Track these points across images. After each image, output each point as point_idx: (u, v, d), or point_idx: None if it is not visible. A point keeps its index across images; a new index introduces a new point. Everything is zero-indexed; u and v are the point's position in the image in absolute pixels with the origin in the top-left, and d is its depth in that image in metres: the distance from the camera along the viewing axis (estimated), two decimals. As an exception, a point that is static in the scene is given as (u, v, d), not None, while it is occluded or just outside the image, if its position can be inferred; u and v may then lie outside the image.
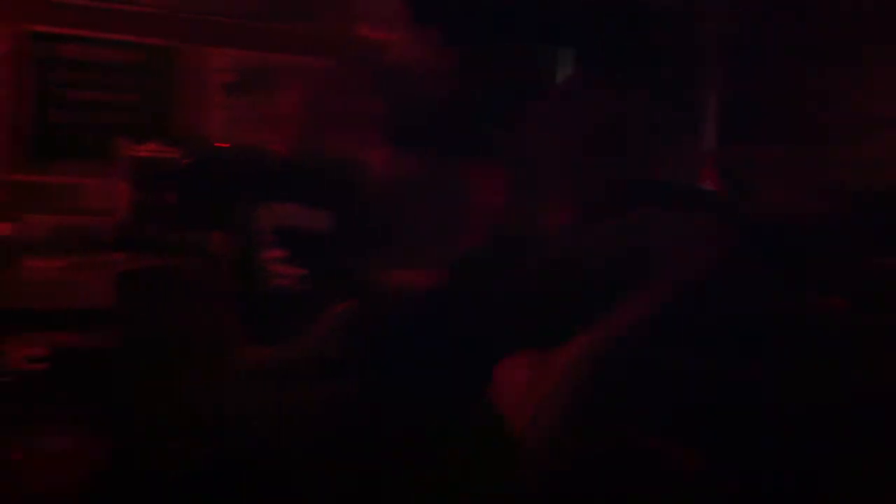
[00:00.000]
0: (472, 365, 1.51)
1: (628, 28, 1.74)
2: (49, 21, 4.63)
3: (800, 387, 1.37)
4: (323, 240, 2.77)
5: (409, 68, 1.93)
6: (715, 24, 1.90)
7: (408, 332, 1.62)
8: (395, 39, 1.97)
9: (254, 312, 2.72)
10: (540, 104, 1.81)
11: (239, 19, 4.97)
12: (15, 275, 3.73)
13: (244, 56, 4.96)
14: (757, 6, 2.25)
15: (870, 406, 1.43)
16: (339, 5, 4.26)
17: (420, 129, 1.90)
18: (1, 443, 2.58)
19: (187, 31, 4.85)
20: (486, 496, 1.43)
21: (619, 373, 1.36)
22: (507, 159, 1.77)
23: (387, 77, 2.03)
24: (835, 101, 2.42)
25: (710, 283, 1.46)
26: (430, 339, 1.57)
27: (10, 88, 4.58)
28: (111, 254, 3.97)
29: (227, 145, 3.38)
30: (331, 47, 4.24)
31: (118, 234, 4.26)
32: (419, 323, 1.58)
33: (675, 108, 1.74)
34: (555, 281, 1.56)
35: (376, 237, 2.26)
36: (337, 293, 2.90)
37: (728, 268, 1.48)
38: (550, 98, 1.82)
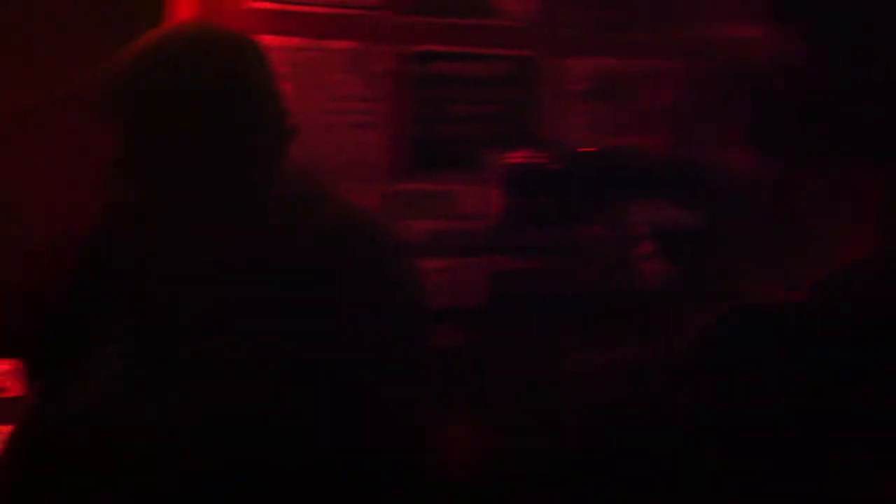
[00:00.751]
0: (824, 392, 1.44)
1: None
2: (425, 40, 5.01)
3: None
4: (691, 240, 2.78)
5: (773, 66, 1.87)
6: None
7: (765, 347, 1.56)
8: (757, 37, 1.93)
9: (621, 310, 2.78)
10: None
11: (596, 30, 5.09)
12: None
13: (601, 63, 5.07)
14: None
15: None
16: (696, 7, 4.24)
17: (786, 130, 1.85)
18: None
19: (548, 43, 5.04)
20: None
21: None
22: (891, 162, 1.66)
23: (749, 76, 1.99)
24: None
25: None
26: (787, 358, 1.51)
27: (391, 105, 5.01)
28: (485, 256, 4.22)
29: (593, 149, 3.49)
30: (689, 50, 4.24)
31: (492, 238, 4.52)
32: (778, 339, 1.51)
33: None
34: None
35: (740, 242, 2.23)
36: (699, 297, 2.89)
37: None
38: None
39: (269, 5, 4.92)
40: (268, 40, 5.07)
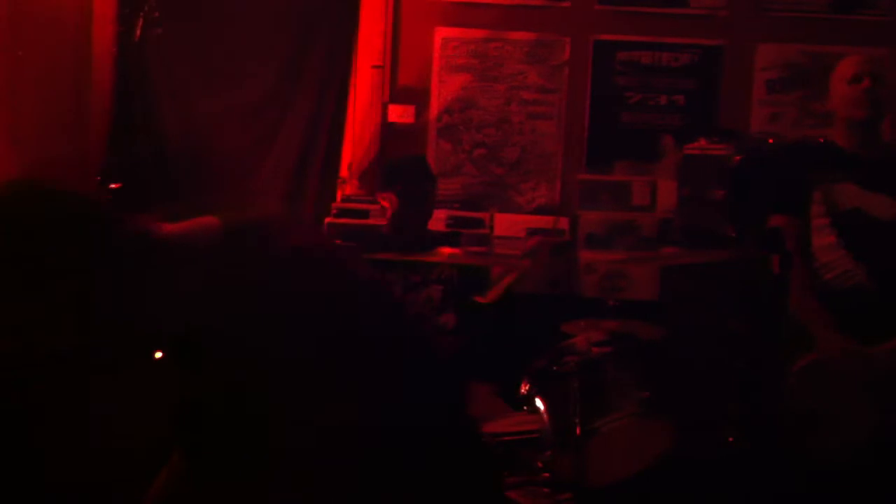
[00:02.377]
0: None
1: None
2: (607, 29, 4.99)
3: None
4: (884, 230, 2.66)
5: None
6: None
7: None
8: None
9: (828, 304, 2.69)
10: None
11: (789, 13, 4.93)
12: (573, 265, 4.07)
13: (789, 51, 4.91)
14: None
15: None
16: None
17: None
18: (563, 419, 2.82)
19: (737, 31, 4.92)
20: None
21: None
22: None
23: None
24: None
25: None
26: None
27: (570, 94, 5.01)
28: (658, 248, 4.18)
29: (780, 141, 3.38)
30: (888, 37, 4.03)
31: (665, 230, 4.47)
32: None
33: None
34: None
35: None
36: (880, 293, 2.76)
37: None
38: None
39: (452, -3, 5.04)
40: (451, 32, 5.19)
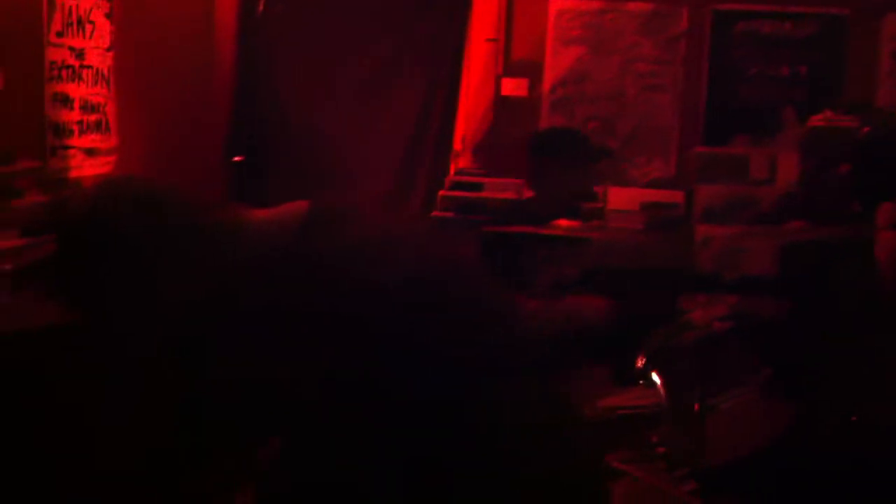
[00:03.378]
0: None
1: None
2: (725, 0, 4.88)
3: None
4: None
5: None
6: None
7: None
8: None
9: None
10: None
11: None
12: (689, 240, 4.01)
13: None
14: None
15: None
16: None
17: None
18: (681, 395, 2.80)
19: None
20: None
21: None
22: None
23: None
24: None
25: None
26: None
27: (687, 66, 4.92)
28: (778, 224, 4.08)
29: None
30: None
31: (786, 205, 4.36)
32: None
33: None
34: None
35: None
36: None
37: None
38: None
39: (566, -32, 4.99)
40: (566, 4, 5.15)
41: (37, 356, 1.60)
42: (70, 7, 3.56)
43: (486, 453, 1.21)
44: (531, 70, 5.06)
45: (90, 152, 3.71)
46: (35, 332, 1.76)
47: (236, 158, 4.43)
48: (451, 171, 5.03)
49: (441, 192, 4.78)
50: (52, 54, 3.46)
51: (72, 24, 3.57)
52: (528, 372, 1.37)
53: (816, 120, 3.97)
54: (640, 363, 2.95)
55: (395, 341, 1.22)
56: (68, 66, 3.57)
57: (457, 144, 5.13)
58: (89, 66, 3.71)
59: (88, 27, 3.68)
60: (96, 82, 3.77)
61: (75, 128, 3.63)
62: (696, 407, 2.86)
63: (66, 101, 3.57)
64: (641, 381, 2.94)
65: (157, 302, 1.25)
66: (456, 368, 1.24)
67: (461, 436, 1.21)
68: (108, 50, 3.83)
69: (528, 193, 3.51)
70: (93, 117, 3.75)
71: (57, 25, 3.48)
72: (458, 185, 4.81)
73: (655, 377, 2.87)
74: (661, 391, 2.88)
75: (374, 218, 1.43)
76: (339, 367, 1.19)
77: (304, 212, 1.32)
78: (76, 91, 3.62)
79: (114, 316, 1.29)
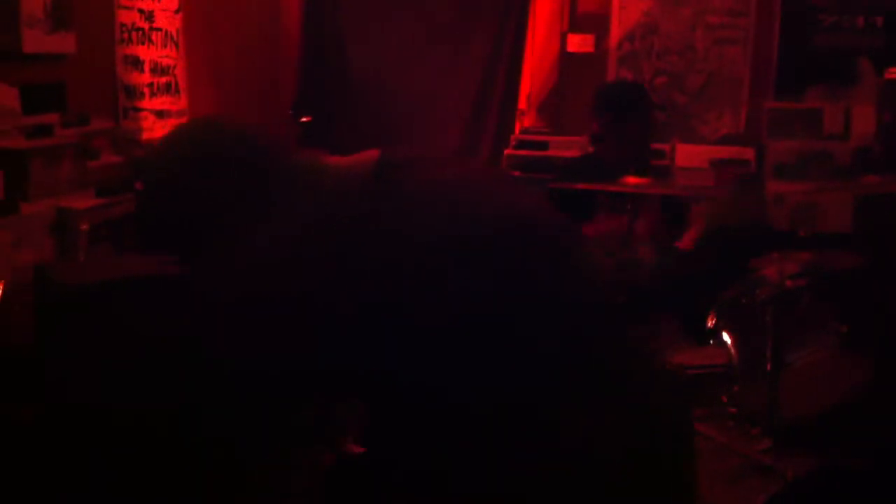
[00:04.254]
0: None
1: None
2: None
3: None
4: None
5: None
6: None
7: None
8: None
9: None
10: None
11: None
12: (761, 197, 3.94)
13: None
14: None
15: None
16: None
17: None
18: (753, 353, 2.78)
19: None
20: None
21: None
22: None
23: None
24: None
25: None
26: None
27: (759, 17, 4.80)
28: (853, 178, 3.99)
29: None
30: None
31: (862, 158, 4.26)
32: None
33: None
34: None
35: None
36: None
37: None
38: None
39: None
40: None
41: (118, 306, 1.62)
42: (139, -30, 3.60)
43: (600, 389, 1.20)
44: (597, 25, 4.99)
45: (160, 114, 3.75)
46: (114, 283, 1.79)
47: (305, 119, 4.45)
48: (517, 130, 5.00)
49: (507, 151, 4.76)
50: (123, 17, 3.50)
51: (141, -14, 3.61)
52: (619, 312, 1.36)
53: (893, 72, 3.86)
54: (710, 322, 2.92)
55: (487, 279, 1.19)
56: (138, 29, 3.60)
57: (522, 103, 5.09)
58: (159, 29, 3.74)
59: (157, -10, 3.72)
60: (165, 44, 3.80)
61: (146, 90, 3.67)
62: (769, 366, 2.83)
63: (136, 63, 3.61)
64: (712, 340, 2.92)
65: (249, 243, 1.25)
66: (559, 305, 1.22)
67: (579, 373, 1.20)
68: (177, 12, 3.86)
69: (590, 150, 3.48)
70: (163, 79, 3.79)
71: (127, -12, 3.52)
72: (523, 144, 4.78)
73: (726, 336, 2.84)
74: (732, 350, 2.86)
75: (446, 162, 1.41)
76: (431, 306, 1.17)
77: (376, 157, 1.32)
78: (146, 53, 3.66)
79: (207, 259, 1.30)
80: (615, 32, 4.97)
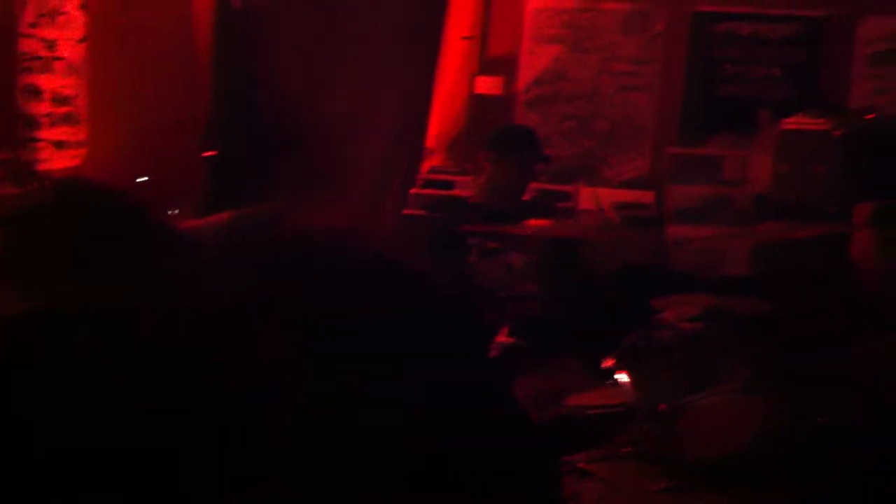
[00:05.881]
0: None
1: None
2: (703, 1, 4.88)
3: None
4: None
5: None
6: None
7: None
8: None
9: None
10: None
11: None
12: (662, 240, 4.02)
13: (893, 24, 4.73)
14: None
15: None
16: None
17: None
18: (652, 394, 2.80)
19: (837, 1, 4.76)
20: None
21: None
22: None
23: None
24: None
25: None
26: None
27: (665, 66, 4.92)
28: (752, 224, 4.09)
29: (882, 115, 3.27)
30: None
31: (759, 205, 4.38)
32: None
33: None
34: None
35: None
36: None
37: None
38: None
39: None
40: (543, 2, 5.13)
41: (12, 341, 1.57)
42: (43, -2, 3.53)
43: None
44: (507, 68, 5.05)
45: (59, 145, 3.67)
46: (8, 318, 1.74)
47: (210, 153, 4.39)
48: (424, 170, 5.02)
49: (412, 190, 4.76)
50: (24, 45, 3.43)
51: (45, 15, 3.54)
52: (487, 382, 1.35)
53: (789, 122, 3.98)
54: (608, 363, 2.95)
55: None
56: (40, 58, 3.53)
57: (430, 142, 5.11)
58: (60, 58, 3.67)
59: (61, 18, 3.65)
60: (68, 74, 3.73)
61: (45, 120, 3.59)
62: (664, 406, 2.86)
63: (36, 92, 3.53)
64: (610, 381, 2.94)
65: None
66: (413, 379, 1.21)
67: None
68: (81, 41, 3.79)
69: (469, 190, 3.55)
70: (62, 110, 3.71)
71: (30, 17, 3.44)
72: (429, 183, 4.80)
73: (624, 377, 2.87)
74: (630, 391, 2.88)
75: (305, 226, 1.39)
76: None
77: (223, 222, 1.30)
78: (47, 83, 3.58)
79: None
80: (524, 76, 5.04)
